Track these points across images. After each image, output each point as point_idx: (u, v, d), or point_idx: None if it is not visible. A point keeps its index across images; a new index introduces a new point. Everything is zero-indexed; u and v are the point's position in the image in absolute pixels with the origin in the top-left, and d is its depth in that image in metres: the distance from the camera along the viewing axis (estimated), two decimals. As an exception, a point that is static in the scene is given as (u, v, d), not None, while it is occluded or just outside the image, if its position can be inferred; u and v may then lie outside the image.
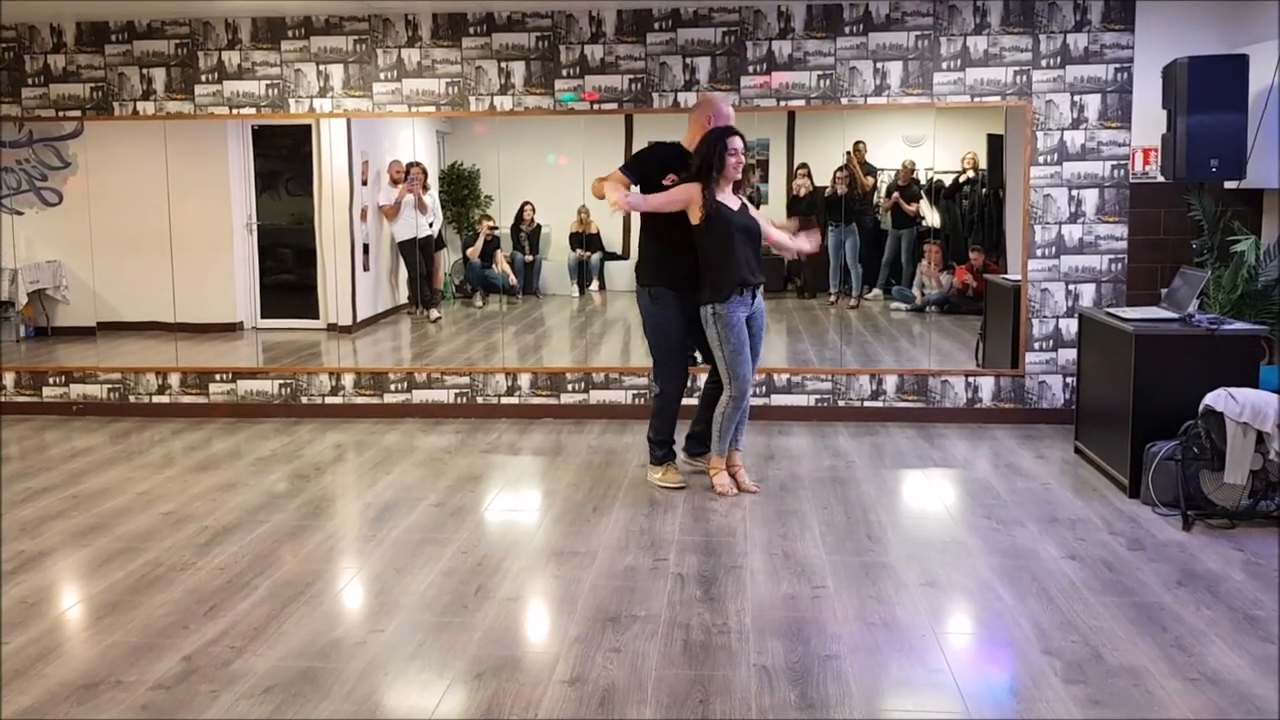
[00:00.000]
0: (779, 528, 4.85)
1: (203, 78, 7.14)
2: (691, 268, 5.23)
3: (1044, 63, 6.58)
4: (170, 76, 7.17)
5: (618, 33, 6.86)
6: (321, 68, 7.07)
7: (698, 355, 5.52)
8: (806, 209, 8.23)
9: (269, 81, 7.11)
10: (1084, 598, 4.01)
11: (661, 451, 5.54)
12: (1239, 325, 5.26)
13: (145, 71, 7.19)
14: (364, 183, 8.29)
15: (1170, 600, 3.99)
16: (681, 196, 5.12)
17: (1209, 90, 5.62)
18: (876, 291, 8.43)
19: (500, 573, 4.32)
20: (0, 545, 4.72)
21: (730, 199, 5.16)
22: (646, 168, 5.35)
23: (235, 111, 7.17)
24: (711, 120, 5.23)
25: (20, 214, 7.84)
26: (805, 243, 5.45)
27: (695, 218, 5.11)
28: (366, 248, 8.43)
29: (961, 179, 7.81)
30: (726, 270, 5.11)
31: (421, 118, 7.39)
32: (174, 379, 7.40)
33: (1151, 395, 5.13)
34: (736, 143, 5.09)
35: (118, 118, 7.24)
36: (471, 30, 6.94)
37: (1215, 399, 4.74)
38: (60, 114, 7.31)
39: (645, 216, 5.36)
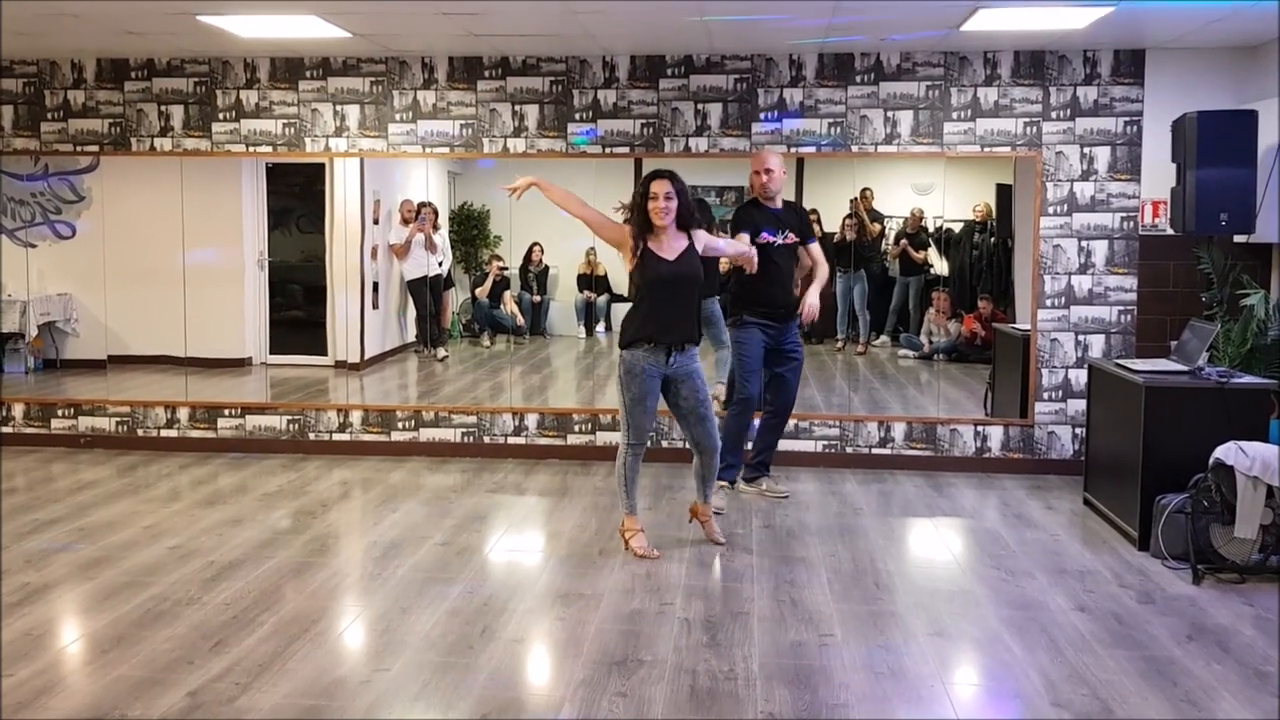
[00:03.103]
0: (786, 574, 4.82)
1: (220, 115, 7.22)
2: (771, 300, 5.80)
3: (1054, 114, 6.64)
4: (188, 114, 7.24)
5: (631, 78, 6.93)
6: (338, 108, 7.14)
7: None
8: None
9: (286, 120, 7.18)
10: (1093, 650, 3.98)
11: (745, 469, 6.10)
12: (1249, 379, 5.26)
13: (163, 108, 7.26)
14: (375, 221, 8.35)
15: (1180, 654, 3.96)
16: (609, 230, 5.06)
17: (1218, 145, 5.66)
18: (884, 338, 8.45)
19: (506, 614, 4.30)
20: (0, 577, 4.71)
21: (673, 242, 4.92)
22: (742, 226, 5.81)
23: (252, 150, 7.24)
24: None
25: (33, 246, 7.90)
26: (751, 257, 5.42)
27: (627, 264, 5.01)
28: (376, 286, 8.48)
29: (974, 232, 7.88)
30: (639, 321, 4.93)
31: (435, 158, 7.44)
32: (183, 413, 7.41)
33: (1161, 448, 5.12)
34: (659, 186, 4.84)
35: (135, 154, 7.31)
36: (486, 73, 7.02)
37: (1225, 453, 4.73)
38: (78, 149, 7.38)
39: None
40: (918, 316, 8.29)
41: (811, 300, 5.84)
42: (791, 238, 5.85)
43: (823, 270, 5.99)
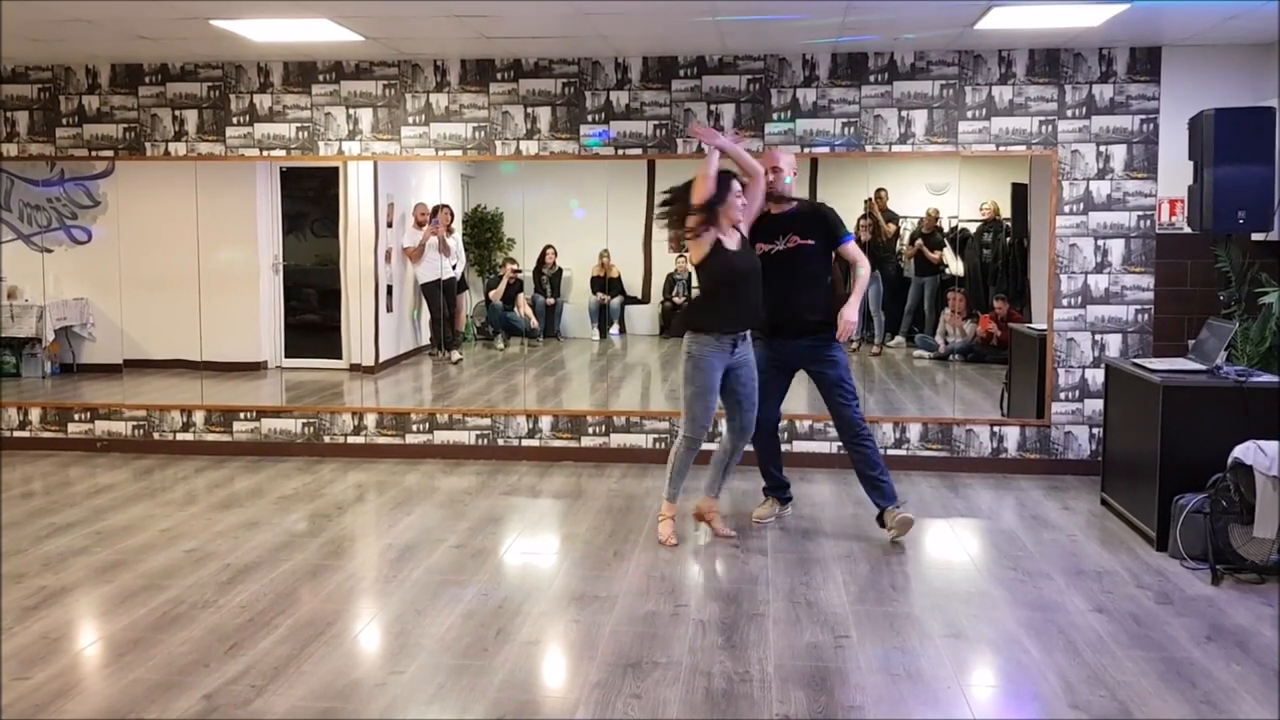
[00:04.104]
0: (801, 576, 4.81)
1: (234, 120, 7.24)
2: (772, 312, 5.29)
3: (1069, 113, 6.60)
4: (202, 118, 7.27)
5: (643, 79, 6.92)
6: (351, 111, 7.15)
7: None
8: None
9: (299, 124, 7.20)
10: (1111, 652, 3.95)
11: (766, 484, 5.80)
12: (1267, 378, 5.22)
13: (177, 113, 7.29)
14: (389, 224, 8.37)
15: (1199, 655, 3.93)
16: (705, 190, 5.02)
17: (1235, 142, 5.62)
18: (899, 339, 8.42)
19: (520, 616, 4.30)
20: (0, 582, 4.73)
21: (731, 237, 5.10)
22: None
23: (265, 153, 7.26)
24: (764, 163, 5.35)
25: (50, 251, 7.94)
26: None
27: (697, 255, 5.09)
28: (390, 289, 8.49)
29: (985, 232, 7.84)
30: (715, 312, 5.12)
31: (448, 161, 7.45)
32: (198, 417, 7.44)
33: (1179, 447, 5.08)
34: (738, 185, 5.12)
35: (149, 158, 7.34)
36: (499, 76, 7.02)
37: (1244, 452, 4.69)
38: (93, 154, 7.42)
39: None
40: (933, 317, 8.26)
41: (847, 315, 5.22)
42: (795, 240, 5.29)
43: (861, 273, 5.31)
